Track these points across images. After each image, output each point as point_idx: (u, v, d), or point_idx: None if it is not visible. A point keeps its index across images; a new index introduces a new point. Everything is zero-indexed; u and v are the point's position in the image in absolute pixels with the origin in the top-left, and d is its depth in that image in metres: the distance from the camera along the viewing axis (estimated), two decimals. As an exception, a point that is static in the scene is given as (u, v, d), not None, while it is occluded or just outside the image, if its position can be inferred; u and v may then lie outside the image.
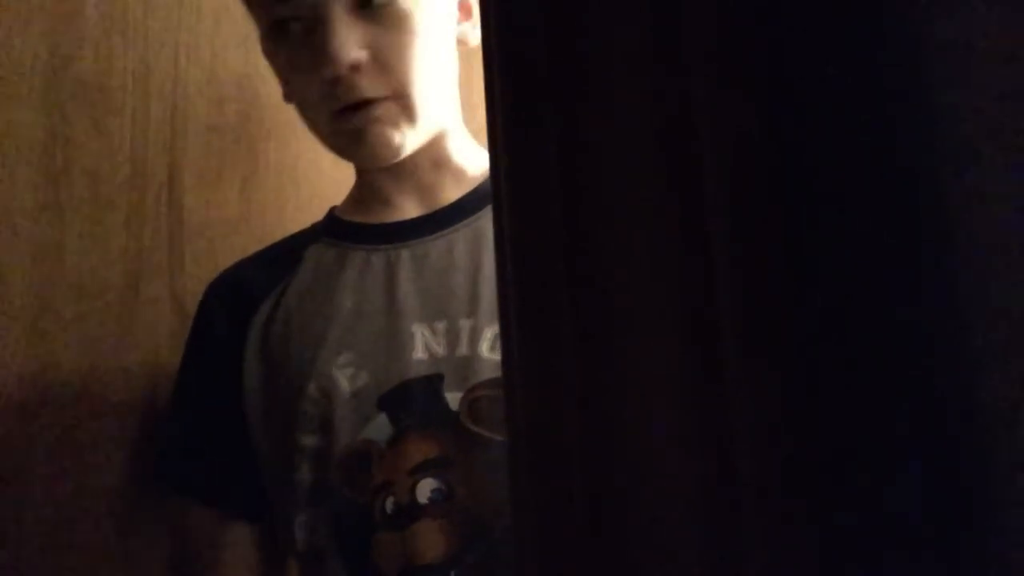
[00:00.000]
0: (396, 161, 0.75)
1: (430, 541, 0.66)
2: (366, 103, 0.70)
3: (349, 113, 0.71)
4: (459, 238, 0.75)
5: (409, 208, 0.79)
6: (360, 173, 0.82)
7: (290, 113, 1.02)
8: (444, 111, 0.77)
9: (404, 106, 0.71)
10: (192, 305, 0.89)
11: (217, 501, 0.79)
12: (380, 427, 0.69)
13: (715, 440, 0.28)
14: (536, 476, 0.33)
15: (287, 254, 0.81)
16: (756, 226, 0.28)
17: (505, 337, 0.35)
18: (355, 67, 0.68)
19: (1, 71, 0.79)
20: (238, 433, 0.76)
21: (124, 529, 0.84)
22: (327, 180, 1.06)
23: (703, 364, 0.29)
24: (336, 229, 0.81)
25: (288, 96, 0.78)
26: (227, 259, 0.90)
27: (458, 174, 0.80)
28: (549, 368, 0.33)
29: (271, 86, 1.02)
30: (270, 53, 0.76)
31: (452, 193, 0.79)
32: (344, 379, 0.71)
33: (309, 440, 0.71)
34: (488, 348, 0.69)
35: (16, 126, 0.80)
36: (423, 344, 0.71)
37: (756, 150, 0.28)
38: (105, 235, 0.86)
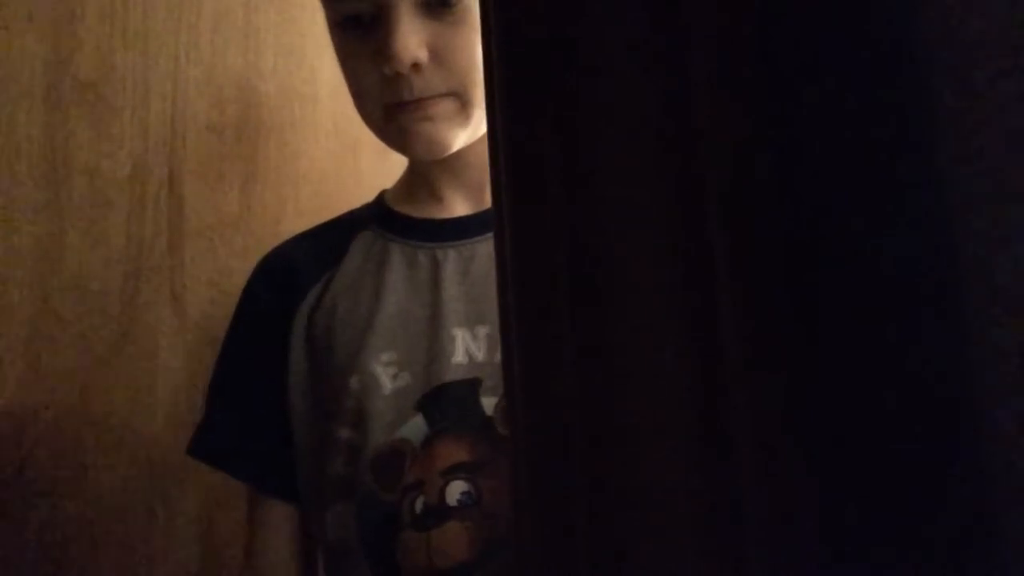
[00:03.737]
0: (444, 156, 0.75)
1: (455, 543, 0.66)
2: (421, 99, 0.71)
3: (404, 107, 0.71)
4: None
5: (458, 205, 0.79)
6: (412, 163, 0.82)
7: (290, 113, 1.01)
8: None
9: (461, 104, 0.72)
10: (192, 305, 0.89)
11: (256, 480, 0.79)
12: (416, 427, 0.70)
13: (716, 441, 0.28)
14: (536, 476, 0.33)
15: (335, 240, 0.81)
16: (756, 229, 0.28)
17: (505, 338, 0.35)
18: (416, 66, 0.69)
19: (1, 71, 0.79)
20: (280, 414, 0.76)
21: (124, 528, 0.84)
22: (327, 180, 1.06)
23: (704, 365, 0.29)
24: (384, 219, 0.81)
25: (349, 86, 0.78)
26: (227, 259, 0.90)
27: None
28: (549, 369, 0.33)
29: (271, 86, 1.02)
30: (336, 43, 0.77)
31: None
32: (386, 377, 0.71)
33: (345, 433, 0.71)
34: None
35: (16, 126, 0.80)
36: (463, 348, 0.71)
37: (756, 152, 0.28)
38: (105, 235, 0.86)
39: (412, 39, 0.68)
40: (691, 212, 0.30)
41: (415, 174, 0.82)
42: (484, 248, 0.75)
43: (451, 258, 0.75)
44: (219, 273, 0.93)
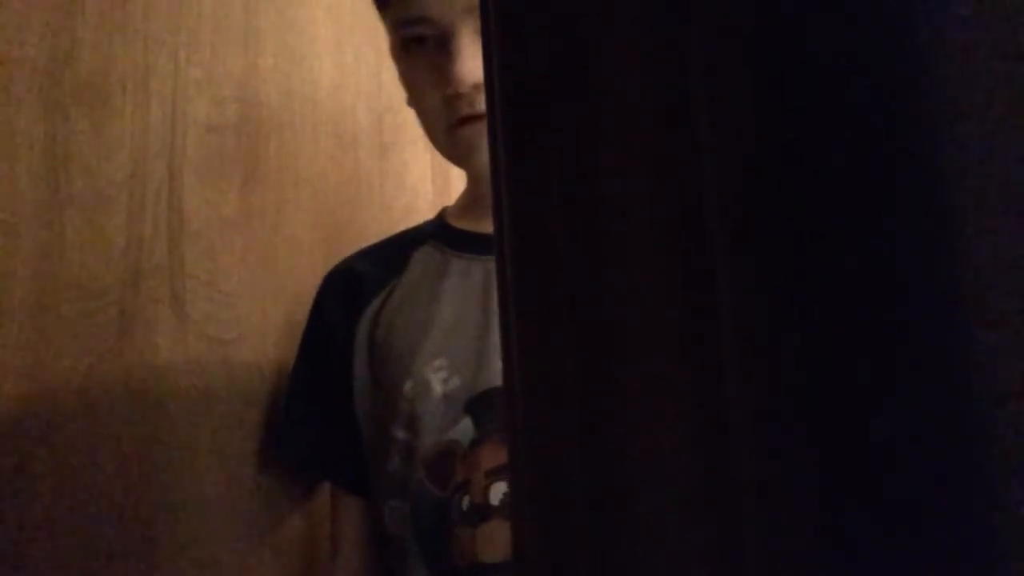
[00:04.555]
0: None
1: (497, 541, 0.70)
2: (482, 116, 0.74)
3: (467, 124, 0.76)
4: None
5: None
6: (470, 180, 0.86)
7: (290, 113, 1.02)
8: None
9: None
10: (192, 305, 0.89)
11: (331, 475, 0.87)
12: (464, 429, 0.74)
13: (717, 441, 0.28)
14: (536, 476, 0.33)
15: (397, 253, 0.87)
16: (756, 229, 0.28)
17: (505, 337, 0.35)
18: (476, 86, 0.73)
19: (1, 71, 0.79)
20: (349, 416, 0.83)
21: (124, 527, 0.84)
22: (327, 180, 1.06)
23: (704, 365, 0.29)
24: (443, 234, 0.86)
25: (410, 102, 0.83)
26: (227, 259, 0.90)
27: None
28: (549, 368, 0.33)
29: (271, 86, 1.02)
30: (399, 62, 0.81)
31: None
32: (437, 382, 0.76)
33: (400, 433, 0.77)
34: None
35: (16, 126, 0.80)
36: None
37: (756, 152, 0.28)
38: (105, 235, 0.86)
39: (474, 61, 0.72)
40: (691, 212, 0.30)
41: (473, 191, 0.87)
42: None
43: None
44: (219, 273, 0.93)
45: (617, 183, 0.32)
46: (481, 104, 0.73)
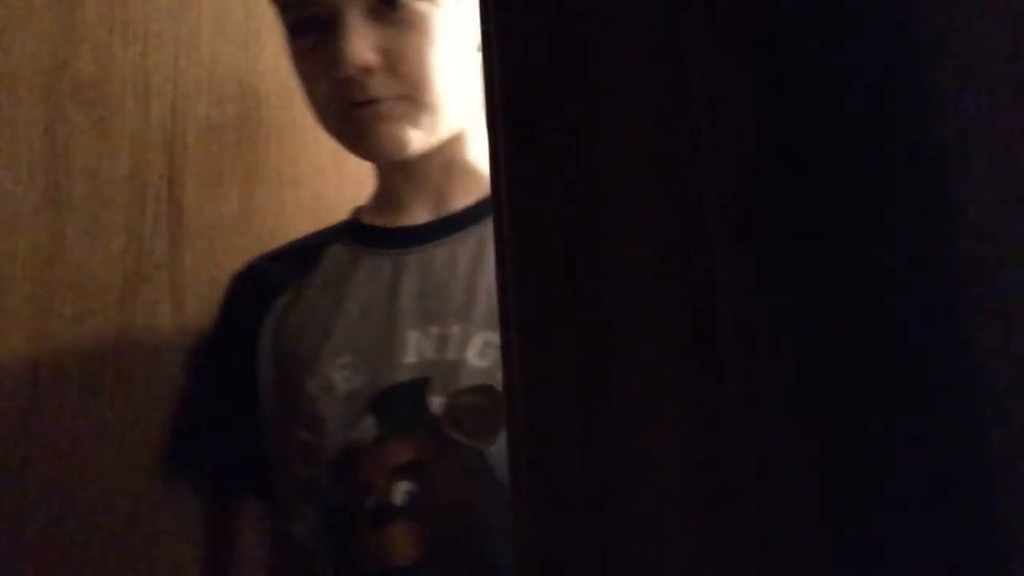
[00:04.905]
0: (405, 160, 0.76)
1: (402, 543, 0.67)
2: (373, 100, 0.72)
3: (357, 109, 0.72)
4: (463, 245, 0.77)
5: (420, 213, 0.80)
6: (378, 175, 0.84)
7: (290, 113, 1.01)
8: (459, 115, 0.78)
9: (415, 107, 0.73)
10: (192, 305, 0.89)
11: (231, 480, 0.82)
12: (368, 428, 0.70)
13: (717, 441, 0.28)
14: (536, 476, 0.33)
15: (309, 251, 0.83)
16: (757, 229, 0.28)
17: (505, 337, 0.35)
18: (366, 69, 0.70)
19: (1, 71, 0.79)
20: (252, 421, 0.78)
21: (124, 526, 0.84)
22: (328, 180, 1.06)
23: (703, 365, 0.29)
24: (353, 232, 0.83)
25: (304, 94, 0.80)
26: (227, 259, 0.90)
27: (471, 180, 0.81)
28: (549, 368, 0.33)
29: (271, 86, 1.02)
30: (290, 50, 0.78)
31: (462, 199, 0.80)
32: (340, 379, 0.73)
33: (304, 436, 0.73)
34: (475, 355, 0.71)
35: (16, 126, 0.80)
36: (415, 348, 0.72)
37: (757, 152, 0.28)
38: (105, 235, 0.86)
39: (362, 43, 0.69)
40: (691, 212, 0.30)
41: (381, 187, 0.84)
42: (442, 251, 0.77)
43: (411, 263, 0.77)
44: (219, 273, 0.93)
45: (617, 183, 0.32)
46: (374, 90, 0.71)
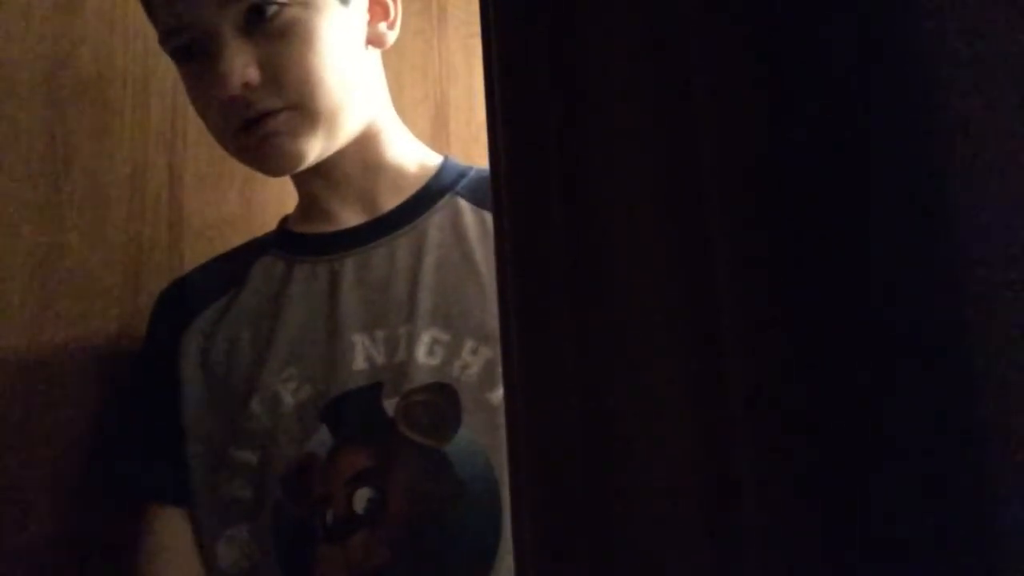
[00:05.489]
0: (319, 168, 0.74)
1: (369, 550, 0.66)
2: (264, 116, 0.70)
3: (248, 130, 0.70)
4: (401, 244, 0.75)
5: (350, 216, 0.79)
6: (297, 185, 0.82)
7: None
8: (362, 114, 0.76)
9: (304, 115, 0.71)
10: (192, 305, 0.88)
11: (163, 493, 0.77)
12: (322, 440, 0.69)
13: (717, 442, 0.28)
14: (536, 477, 0.33)
15: (234, 266, 0.81)
16: (757, 229, 0.28)
17: (505, 337, 0.35)
18: (247, 85, 0.68)
19: (1, 71, 0.79)
20: (176, 437, 0.75)
21: (124, 526, 0.84)
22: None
23: (703, 364, 0.29)
24: (284, 241, 0.81)
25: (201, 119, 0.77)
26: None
27: (397, 177, 0.79)
28: (549, 368, 0.33)
29: (271, 86, 1.02)
30: (181, 79, 0.76)
31: (392, 198, 0.78)
32: (287, 393, 0.71)
33: (245, 455, 0.71)
34: (424, 353, 0.70)
35: (16, 126, 0.80)
36: (363, 354, 0.71)
37: (757, 152, 0.28)
38: (105, 235, 0.86)
39: (237, 60, 0.67)
40: (691, 212, 0.30)
41: (304, 195, 0.82)
42: (380, 252, 0.75)
43: (348, 267, 0.75)
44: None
45: (617, 183, 0.32)
46: (261, 104, 0.68)
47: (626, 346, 0.31)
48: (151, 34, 0.84)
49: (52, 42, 0.83)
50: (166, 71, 0.93)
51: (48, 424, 0.79)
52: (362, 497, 0.67)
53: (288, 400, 0.71)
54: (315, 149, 0.73)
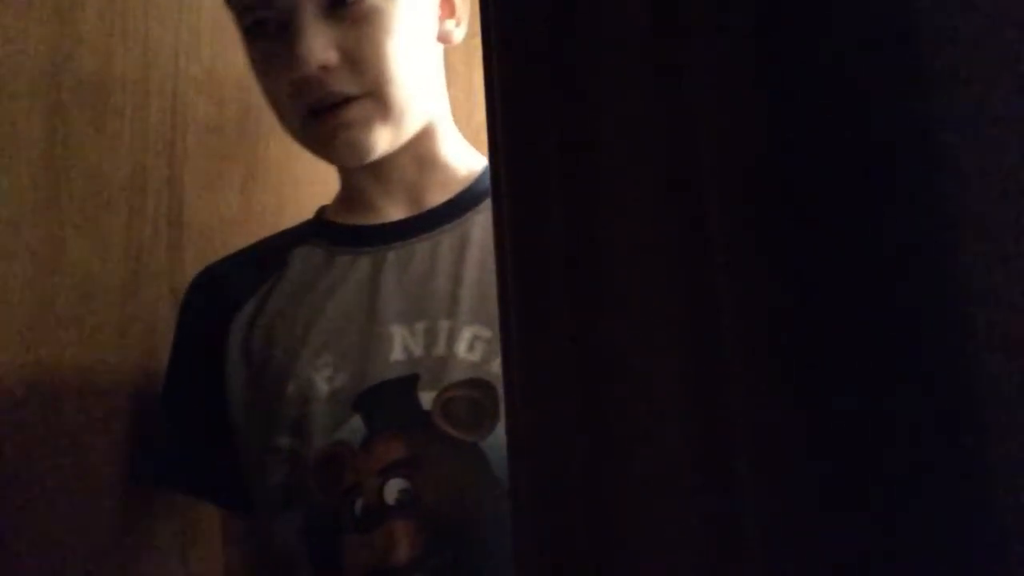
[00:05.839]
0: (373, 160, 0.74)
1: (397, 542, 0.65)
2: (337, 104, 0.70)
3: (321, 115, 0.71)
4: (444, 240, 0.75)
5: (394, 210, 0.79)
6: (343, 175, 0.82)
7: (290, 113, 1.00)
8: (426, 109, 0.76)
9: (379, 104, 0.71)
10: (192, 305, 0.88)
11: (209, 496, 0.80)
12: (354, 428, 0.69)
13: (718, 441, 0.28)
14: (536, 477, 0.33)
15: (273, 254, 0.81)
16: (757, 228, 0.28)
17: (505, 337, 0.35)
18: (324, 68, 0.68)
19: (1, 71, 0.79)
20: (223, 431, 0.76)
21: (124, 526, 0.84)
22: (327, 180, 1.06)
23: (704, 364, 0.29)
24: (324, 231, 0.81)
25: (264, 95, 0.78)
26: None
27: (445, 175, 0.79)
28: (549, 368, 0.33)
29: (271, 86, 1.02)
30: (248, 54, 0.76)
31: (439, 195, 0.78)
32: (322, 380, 0.71)
33: (284, 442, 0.71)
34: (465, 349, 0.69)
35: (16, 126, 0.80)
36: (401, 345, 0.71)
37: (756, 151, 0.28)
38: (105, 235, 0.86)
39: (317, 41, 0.67)
40: (691, 210, 0.30)
41: (348, 186, 0.82)
42: (423, 247, 0.75)
43: (390, 260, 0.75)
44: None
45: (617, 183, 0.32)
46: (337, 87, 0.69)
47: (626, 346, 0.31)
48: (151, 35, 0.84)
49: (52, 42, 0.83)
50: (166, 71, 0.93)
51: (48, 424, 0.79)
52: (393, 488, 0.67)
53: (322, 387, 0.71)
54: (385, 142, 0.73)
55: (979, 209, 0.26)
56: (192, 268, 0.92)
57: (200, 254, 0.92)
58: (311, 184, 1.04)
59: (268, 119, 1.02)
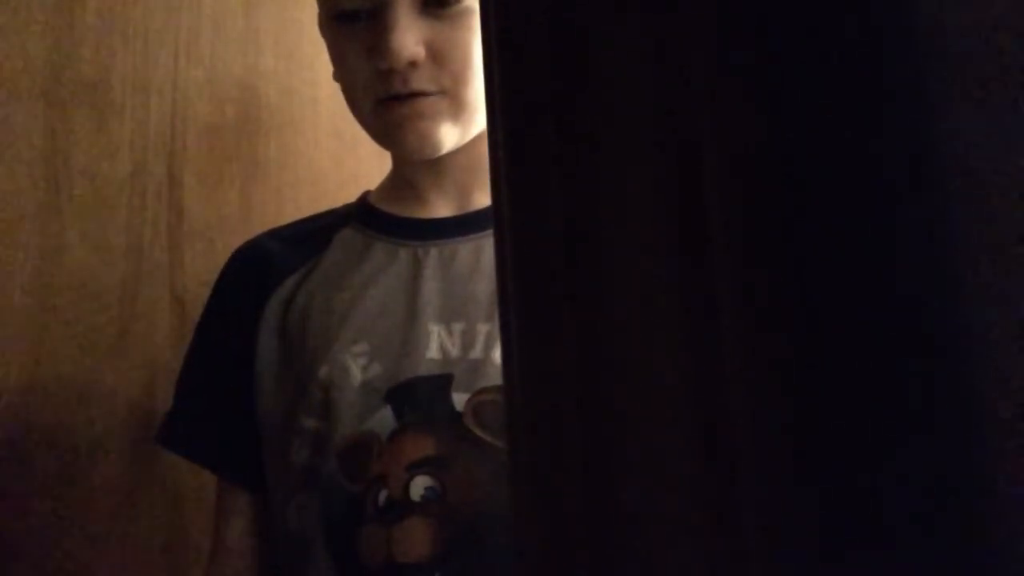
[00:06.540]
0: (434, 157, 0.75)
1: (416, 539, 0.65)
2: (413, 95, 0.71)
3: (395, 103, 0.71)
4: (487, 244, 0.75)
5: (441, 207, 0.79)
6: (396, 164, 0.83)
7: (290, 113, 1.01)
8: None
9: (453, 103, 0.72)
10: (192, 305, 0.89)
11: (219, 467, 0.79)
12: (384, 420, 0.69)
13: (717, 441, 0.28)
14: (535, 478, 0.33)
15: (317, 234, 0.81)
16: (757, 225, 0.28)
17: (505, 336, 0.35)
18: (412, 63, 0.70)
19: (1, 71, 0.79)
20: (246, 403, 0.76)
21: (123, 525, 0.84)
22: (327, 180, 1.06)
23: (704, 364, 0.29)
24: (367, 216, 0.81)
25: (337, 76, 0.78)
26: (227, 259, 0.90)
27: None
28: (549, 368, 0.33)
29: (271, 86, 1.02)
30: (329, 36, 0.77)
31: (486, 198, 0.78)
32: (356, 367, 0.71)
33: (311, 422, 0.71)
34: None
35: (16, 126, 0.80)
36: (438, 344, 0.71)
37: (756, 150, 0.28)
38: (105, 235, 0.86)
39: (410, 36, 0.69)
40: (691, 208, 0.30)
41: (400, 176, 0.82)
42: (466, 248, 0.75)
43: (432, 256, 0.75)
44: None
45: (617, 182, 0.32)
46: (416, 83, 0.70)
47: (626, 345, 0.31)
48: (151, 34, 0.84)
49: (52, 42, 0.83)
50: (166, 71, 0.93)
51: (48, 424, 0.79)
52: (420, 485, 0.67)
53: (356, 375, 0.71)
54: (452, 138, 0.74)
55: (983, 207, 0.26)
56: (192, 268, 0.92)
57: (200, 254, 0.92)
58: (311, 184, 1.04)
59: (268, 119, 1.03)
